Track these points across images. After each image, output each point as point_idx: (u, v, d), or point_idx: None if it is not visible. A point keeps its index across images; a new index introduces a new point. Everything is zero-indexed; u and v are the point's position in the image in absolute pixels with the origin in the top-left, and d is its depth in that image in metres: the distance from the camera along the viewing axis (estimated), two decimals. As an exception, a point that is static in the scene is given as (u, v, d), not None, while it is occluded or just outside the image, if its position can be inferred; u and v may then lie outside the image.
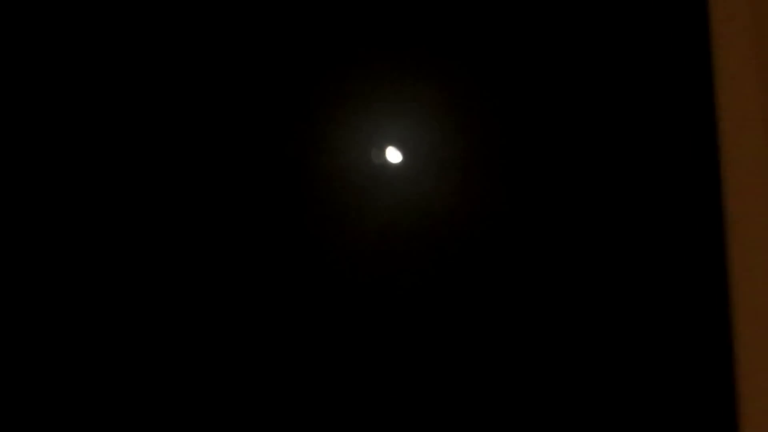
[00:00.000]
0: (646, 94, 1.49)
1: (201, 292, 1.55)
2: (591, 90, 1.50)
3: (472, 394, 1.48)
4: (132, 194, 1.60)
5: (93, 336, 1.55)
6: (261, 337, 1.53)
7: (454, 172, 1.54)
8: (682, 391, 1.39)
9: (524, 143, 1.51)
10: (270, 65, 1.61)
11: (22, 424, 1.53)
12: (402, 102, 1.59)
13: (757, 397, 1.30)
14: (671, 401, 1.39)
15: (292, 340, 1.53)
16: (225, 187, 1.57)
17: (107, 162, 1.61)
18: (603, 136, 1.49)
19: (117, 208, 1.59)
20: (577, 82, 1.51)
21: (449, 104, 1.58)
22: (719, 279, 1.36)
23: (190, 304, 1.54)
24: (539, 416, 1.46)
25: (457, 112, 1.57)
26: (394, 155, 1.59)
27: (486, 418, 1.48)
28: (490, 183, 1.52)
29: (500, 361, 1.48)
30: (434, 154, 1.56)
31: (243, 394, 1.52)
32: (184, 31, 1.62)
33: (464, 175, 1.54)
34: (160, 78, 1.62)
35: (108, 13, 1.63)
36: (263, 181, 1.59)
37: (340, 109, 1.60)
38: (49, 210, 1.58)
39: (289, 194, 1.58)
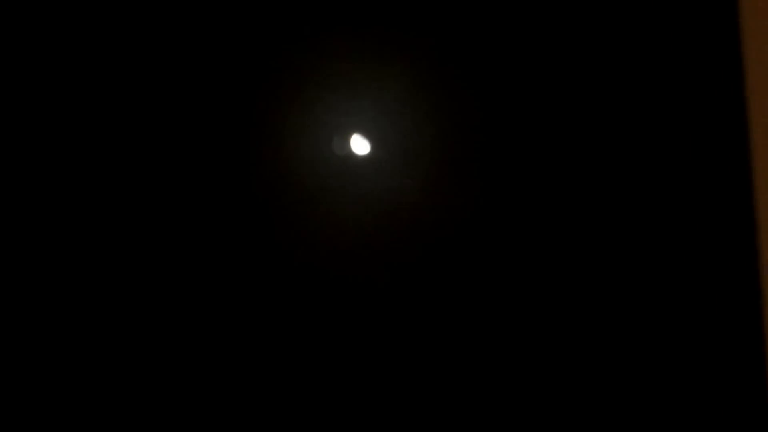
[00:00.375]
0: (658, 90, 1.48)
1: (163, 295, 1.53)
2: (579, 83, 1.48)
3: (447, 391, 1.49)
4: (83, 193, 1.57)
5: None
6: (227, 337, 1.52)
7: (425, 164, 1.49)
8: (714, 392, 1.40)
9: (504, 135, 1.48)
10: (218, 45, 1.52)
11: (22, 424, 1.54)
12: (367, 86, 1.51)
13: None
14: (703, 401, 1.41)
15: (258, 339, 1.52)
16: (174, 187, 1.51)
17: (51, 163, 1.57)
18: (594, 131, 1.48)
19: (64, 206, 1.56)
20: (566, 75, 1.48)
21: (421, 89, 1.50)
22: (751, 280, 1.39)
23: (152, 306, 1.52)
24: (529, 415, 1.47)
25: (430, 98, 1.50)
26: (359, 146, 1.52)
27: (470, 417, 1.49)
28: (467, 177, 1.49)
29: (480, 358, 1.48)
30: (403, 144, 1.49)
31: (207, 392, 1.52)
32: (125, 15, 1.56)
33: (437, 169, 1.49)
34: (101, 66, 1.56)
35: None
36: (214, 176, 1.51)
37: (297, 95, 1.51)
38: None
39: (243, 190, 1.51)
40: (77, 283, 1.55)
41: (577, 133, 1.47)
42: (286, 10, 1.53)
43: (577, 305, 1.47)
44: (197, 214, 1.51)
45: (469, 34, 1.50)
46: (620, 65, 1.48)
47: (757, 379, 1.38)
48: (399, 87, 1.49)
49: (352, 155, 1.48)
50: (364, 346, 1.51)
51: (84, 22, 1.56)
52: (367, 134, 1.47)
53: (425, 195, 1.48)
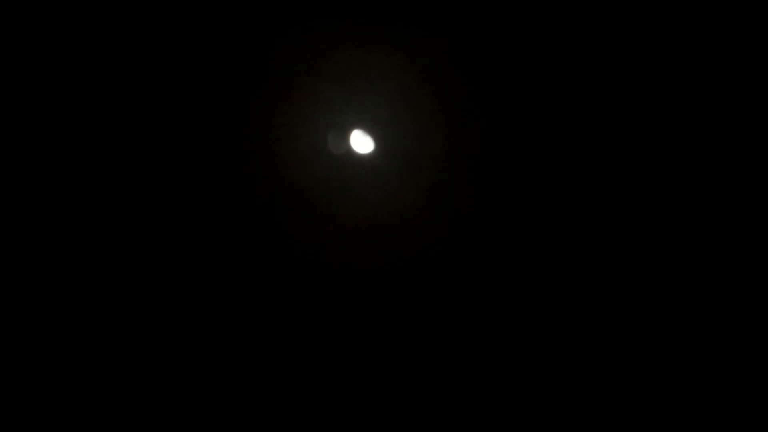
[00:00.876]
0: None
1: (161, 295, 1.51)
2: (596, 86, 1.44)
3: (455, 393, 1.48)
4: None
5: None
6: (225, 336, 1.50)
7: (427, 166, 1.46)
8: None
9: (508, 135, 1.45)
10: (212, 30, 1.43)
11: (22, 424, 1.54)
12: (370, 82, 1.43)
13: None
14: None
15: (256, 338, 1.51)
16: (172, 186, 1.47)
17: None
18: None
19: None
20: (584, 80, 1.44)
21: (424, 87, 1.43)
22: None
23: (151, 306, 1.51)
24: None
25: (433, 97, 1.43)
26: (360, 144, 1.47)
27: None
28: (469, 178, 1.45)
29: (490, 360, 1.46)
30: (404, 145, 1.45)
31: (207, 392, 1.50)
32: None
33: (438, 168, 1.45)
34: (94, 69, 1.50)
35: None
36: (211, 174, 1.47)
37: (292, 88, 1.43)
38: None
39: (241, 188, 1.47)
40: (76, 282, 1.55)
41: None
42: (287, 6, 1.45)
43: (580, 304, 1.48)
44: (195, 213, 1.50)
45: (485, 32, 1.40)
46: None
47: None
48: (402, 85, 1.42)
49: (351, 153, 1.45)
50: (364, 343, 1.51)
51: (74, 21, 1.53)
52: (367, 132, 1.45)
53: (426, 195, 1.46)
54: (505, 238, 1.47)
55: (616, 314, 1.55)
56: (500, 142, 1.45)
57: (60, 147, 1.52)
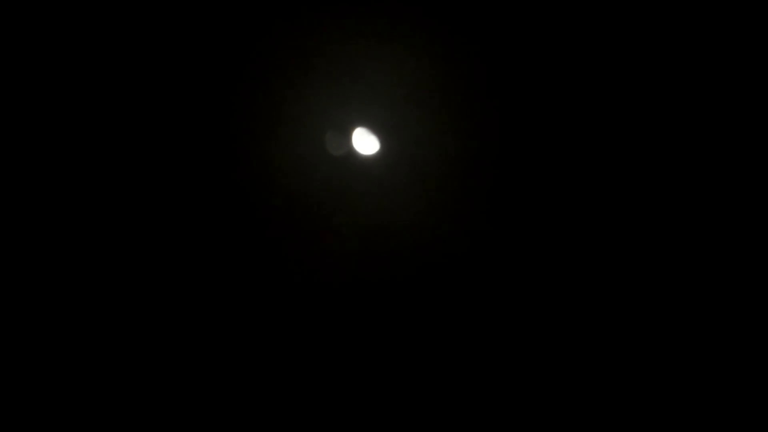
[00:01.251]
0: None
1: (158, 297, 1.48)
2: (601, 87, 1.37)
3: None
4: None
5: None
6: (223, 338, 1.49)
7: (436, 169, 1.38)
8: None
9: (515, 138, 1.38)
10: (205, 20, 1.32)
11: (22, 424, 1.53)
12: (374, 75, 1.35)
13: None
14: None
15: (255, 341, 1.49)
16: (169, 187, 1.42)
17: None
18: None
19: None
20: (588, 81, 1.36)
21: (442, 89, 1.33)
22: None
23: (148, 308, 1.49)
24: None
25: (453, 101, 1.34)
26: (363, 144, 1.37)
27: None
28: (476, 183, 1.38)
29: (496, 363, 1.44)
30: (412, 145, 1.37)
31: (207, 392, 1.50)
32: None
33: (445, 171, 1.38)
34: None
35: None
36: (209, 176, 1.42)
37: (288, 83, 1.32)
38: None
39: (240, 188, 1.41)
40: (75, 282, 1.52)
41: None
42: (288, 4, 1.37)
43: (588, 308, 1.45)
44: (188, 220, 1.46)
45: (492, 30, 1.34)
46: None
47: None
48: (410, 79, 1.32)
49: (353, 154, 1.37)
50: (365, 351, 1.49)
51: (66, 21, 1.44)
52: (371, 131, 1.35)
53: (435, 200, 1.41)
54: (515, 246, 1.40)
55: (621, 320, 1.51)
56: (513, 145, 1.36)
57: (52, 147, 1.45)
